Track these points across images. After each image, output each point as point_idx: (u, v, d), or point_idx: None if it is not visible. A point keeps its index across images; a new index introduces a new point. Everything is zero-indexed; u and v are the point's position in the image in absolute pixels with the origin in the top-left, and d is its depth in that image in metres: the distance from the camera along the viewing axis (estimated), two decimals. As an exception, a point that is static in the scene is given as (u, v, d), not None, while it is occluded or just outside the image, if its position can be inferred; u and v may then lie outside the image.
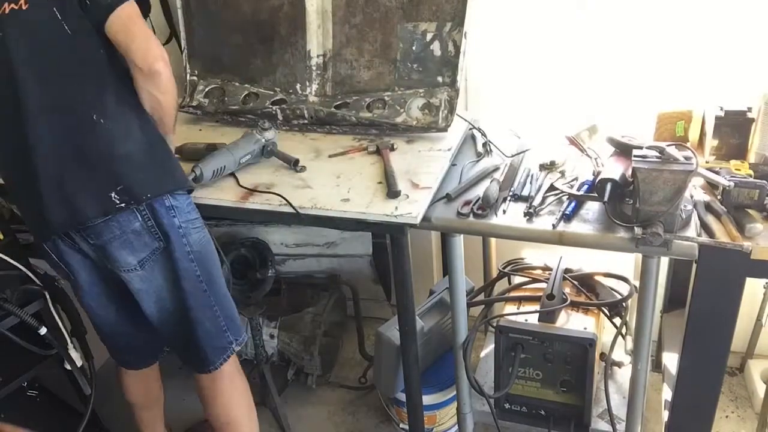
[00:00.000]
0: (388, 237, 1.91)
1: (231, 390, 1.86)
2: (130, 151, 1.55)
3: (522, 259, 2.18)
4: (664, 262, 2.07)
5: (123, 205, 1.53)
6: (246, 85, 2.18)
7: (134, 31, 1.50)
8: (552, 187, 1.67)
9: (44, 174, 1.54)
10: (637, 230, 1.44)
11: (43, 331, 1.75)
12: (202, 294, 1.69)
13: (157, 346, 1.96)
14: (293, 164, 1.86)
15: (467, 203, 1.67)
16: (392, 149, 1.91)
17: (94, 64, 1.53)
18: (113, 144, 1.54)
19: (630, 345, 2.06)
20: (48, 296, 1.81)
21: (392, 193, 1.67)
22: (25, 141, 1.53)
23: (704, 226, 1.50)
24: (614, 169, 1.57)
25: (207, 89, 2.23)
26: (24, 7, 1.49)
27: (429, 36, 1.96)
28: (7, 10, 1.49)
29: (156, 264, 1.63)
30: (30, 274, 1.81)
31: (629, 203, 1.52)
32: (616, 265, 1.99)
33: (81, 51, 1.52)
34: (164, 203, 1.59)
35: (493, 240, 2.22)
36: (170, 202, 1.60)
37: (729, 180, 1.51)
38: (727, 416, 2.25)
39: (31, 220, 1.64)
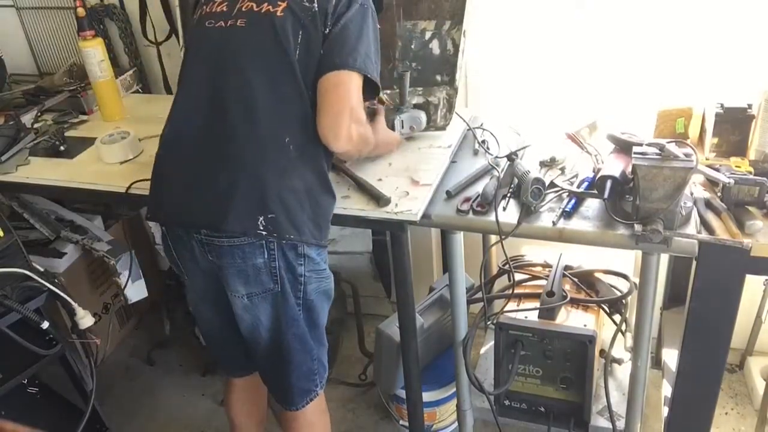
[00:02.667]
0: (388, 234, 1.91)
1: (308, 429, 1.82)
2: (297, 188, 1.50)
3: (522, 256, 2.18)
4: (664, 259, 2.07)
5: (265, 233, 1.47)
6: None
7: (330, 101, 1.48)
8: (552, 184, 1.67)
9: (210, 161, 1.50)
10: (637, 227, 1.44)
11: (45, 325, 1.75)
12: (302, 339, 1.66)
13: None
14: None
15: (467, 200, 1.67)
16: (344, 161, 1.85)
17: (304, 94, 1.50)
18: (288, 172, 1.49)
19: (630, 342, 2.07)
20: (52, 287, 1.81)
21: (383, 202, 1.66)
22: (214, 128, 1.50)
23: (704, 223, 1.50)
24: (614, 166, 1.57)
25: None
26: (279, 15, 1.49)
27: (428, 34, 1.95)
28: (263, 9, 1.50)
29: (263, 302, 1.58)
30: (30, 272, 1.81)
31: (629, 200, 1.52)
32: (616, 262, 1.99)
33: (302, 77, 1.49)
34: (298, 250, 1.53)
35: (492, 237, 2.22)
36: (304, 250, 1.54)
37: (729, 177, 1.51)
38: (726, 413, 2.26)
39: (163, 198, 1.59)
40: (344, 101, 1.48)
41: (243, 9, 1.53)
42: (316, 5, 1.49)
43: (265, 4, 1.51)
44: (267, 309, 1.59)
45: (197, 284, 1.68)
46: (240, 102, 1.49)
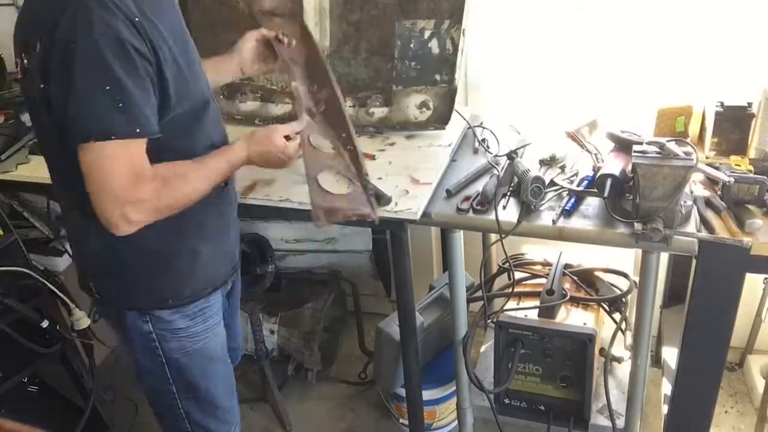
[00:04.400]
0: (388, 233, 1.91)
1: None
2: (105, 254, 1.37)
3: (522, 254, 2.18)
4: (664, 257, 2.07)
5: (98, 296, 1.46)
6: (244, 83, 2.18)
7: (88, 188, 1.18)
8: (552, 183, 1.67)
9: None
10: (637, 226, 1.44)
11: (45, 323, 1.75)
12: (168, 401, 1.55)
13: None
14: None
15: (467, 199, 1.67)
16: None
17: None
18: (89, 240, 1.37)
19: (630, 340, 2.07)
20: (51, 286, 1.81)
21: (384, 200, 1.65)
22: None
23: (704, 222, 1.50)
24: (614, 164, 1.57)
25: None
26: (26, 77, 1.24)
27: (427, 34, 1.95)
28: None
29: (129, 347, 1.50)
30: (30, 271, 1.81)
31: (629, 199, 1.52)
32: (616, 261, 1.99)
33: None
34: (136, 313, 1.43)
35: (492, 235, 2.22)
36: (148, 311, 1.42)
37: (729, 176, 1.51)
38: (726, 411, 2.26)
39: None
40: (99, 187, 1.17)
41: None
42: (26, 63, 1.21)
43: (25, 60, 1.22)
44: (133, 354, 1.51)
45: None
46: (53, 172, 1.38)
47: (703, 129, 1.77)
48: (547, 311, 1.82)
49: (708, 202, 1.55)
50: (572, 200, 1.60)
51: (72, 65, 1.11)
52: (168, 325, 1.44)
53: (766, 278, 2.09)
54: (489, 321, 1.97)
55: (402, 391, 2.10)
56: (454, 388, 2.03)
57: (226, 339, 1.62)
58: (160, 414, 1.62)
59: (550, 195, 1.64)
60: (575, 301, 1.88)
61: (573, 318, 1.83)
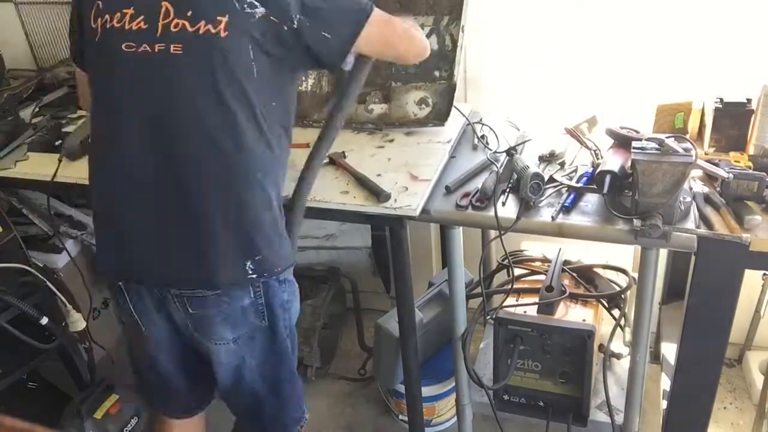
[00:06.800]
0: (387, 229, 1.91)
1: None
2: (273, 218, 1.39)
3: (521, 251, 2.18)
4: (663, 253, 2.08)
5: (255, 276, 1.37)
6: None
7: (393, 41, 1.47)
8: (551, 179, 1.67)
9: (177, 214, 1.34)
10: (636, 222, 1.44)
11: (44, 320, 1.75)
12: (291, 368, 1.59)
13: (206, 402, 1.77)
14: None
15: (466, 195, 1.67)
16: (344, 157, 1.85)
17: (261, 117, 1.34)
18: (263, 207, 1.37)
19: (629, 336, 2.06)
20: (50, 284, 1.81)
21: (383, 197, 1.64)
22: (175, 176, 1.32)
23: (703, 218, 1.50)
24: (613, 161, 1.57)
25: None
26: (222, 35, 1.26)
27: (426, 30, 1.95)
28: (201, 30, 1.26)
29: (252, 341, 1.48)
30: (29, 268, 1.81)
31: (628, 195, 1.52)
32: (615, 257, 1.99)
33: (263, 96, 1.34)
34: (280, 277, 1.44)
35: (492, 232, 2.22)
36: (285, 275, 1.46)
37: (728, 172, 1.51)
38: (725, 407, 2.26)
39: (129, 256, 1.41)
40: (389, 46, 1.48)
41: (172, 29, 1.27)
42: (260, 7, 1.27)
43: (203, 23, 1.25)
44: (255, 348, 1.51)
45: (159, 337, 1.53)
46: (200, 145, 1.31)
47: (702, 125, 1.77)
48: (546, 308, 1.82)
49: (707, 199, 1.55)
50: (571, 196, 1.60)
51: None
52: (292, 287, 1.51)
53: (765, 274, 2.09)
54: (488, 317, 1.97)
55: (401, 388, 2.10)
56: (454, 384, 2.03)
57: None
58: (281, 398, 1.61)
59: (549, 191, 1.64)
60: (574, 297, 1.88)
61: (572, 314, 1.83)
